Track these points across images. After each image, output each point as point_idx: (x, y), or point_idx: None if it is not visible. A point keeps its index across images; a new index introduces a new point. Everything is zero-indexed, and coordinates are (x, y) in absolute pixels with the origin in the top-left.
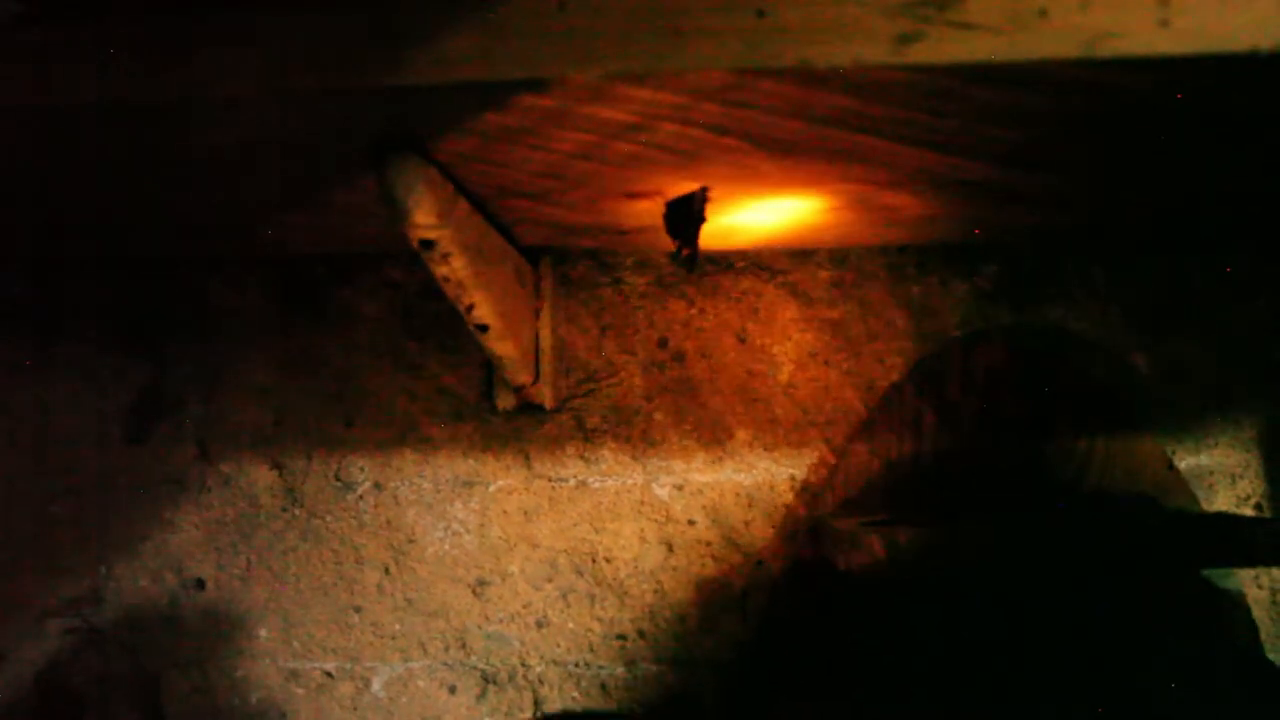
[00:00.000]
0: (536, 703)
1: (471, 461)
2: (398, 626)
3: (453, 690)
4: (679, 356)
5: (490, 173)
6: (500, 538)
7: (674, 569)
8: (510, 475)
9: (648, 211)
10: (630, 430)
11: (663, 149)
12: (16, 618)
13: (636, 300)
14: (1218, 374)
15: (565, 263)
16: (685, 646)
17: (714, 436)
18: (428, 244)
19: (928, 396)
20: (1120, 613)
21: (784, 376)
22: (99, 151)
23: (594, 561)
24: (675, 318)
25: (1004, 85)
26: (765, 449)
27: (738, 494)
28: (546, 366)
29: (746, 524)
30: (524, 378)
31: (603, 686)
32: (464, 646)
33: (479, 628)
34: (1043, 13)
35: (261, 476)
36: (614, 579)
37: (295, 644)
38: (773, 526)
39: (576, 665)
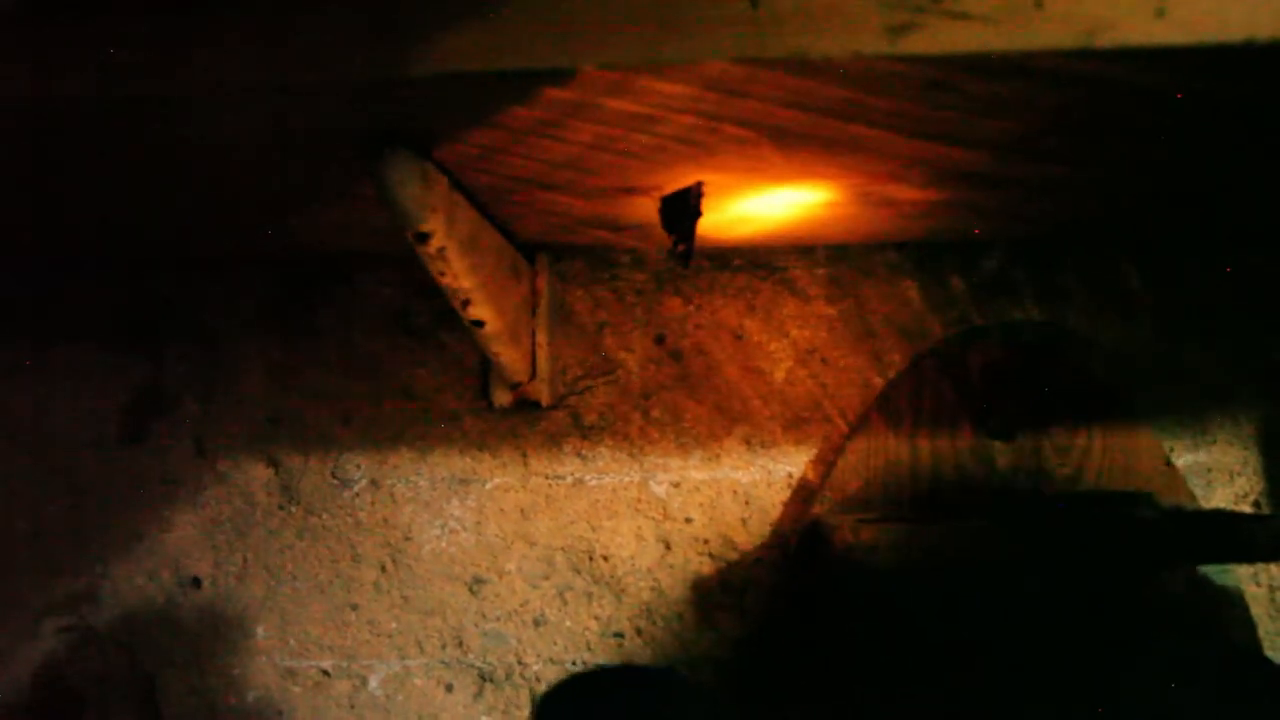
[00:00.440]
0: (533, 701)
1: (468, 459)
2: (394, 625)
3: (450, 688)
4: (676, 354)
5: (489, 167)
6: (497, 535)
7: (671, 567)
8: (507, 473)
9: (645, 207)
10: (627, 428)
11: (675, 140)
12: (14, 617)
13: (633, 297)
14: (1216, 371)
15: (562, 259)
16: (682, 644)
17: (711, 434)
18: (423, 239)
19: (925, 394)
20: (1118, 610)
21: (781, 374)
22: (97, 149)
23: (591, 559)
24: (672, 315)
25: (1001, 76)
26: (762, 446)
27: (735, 492)
28: (543, 364)
29: (744, 522)
30: (521, 375)
31: None
32: (461, 644)
33: (476, 626)
34: (1038, 3)
35: (258, 475)
36: (611, 577)
37: (292, 642)
38: (770, 524)
39: (574, 663)
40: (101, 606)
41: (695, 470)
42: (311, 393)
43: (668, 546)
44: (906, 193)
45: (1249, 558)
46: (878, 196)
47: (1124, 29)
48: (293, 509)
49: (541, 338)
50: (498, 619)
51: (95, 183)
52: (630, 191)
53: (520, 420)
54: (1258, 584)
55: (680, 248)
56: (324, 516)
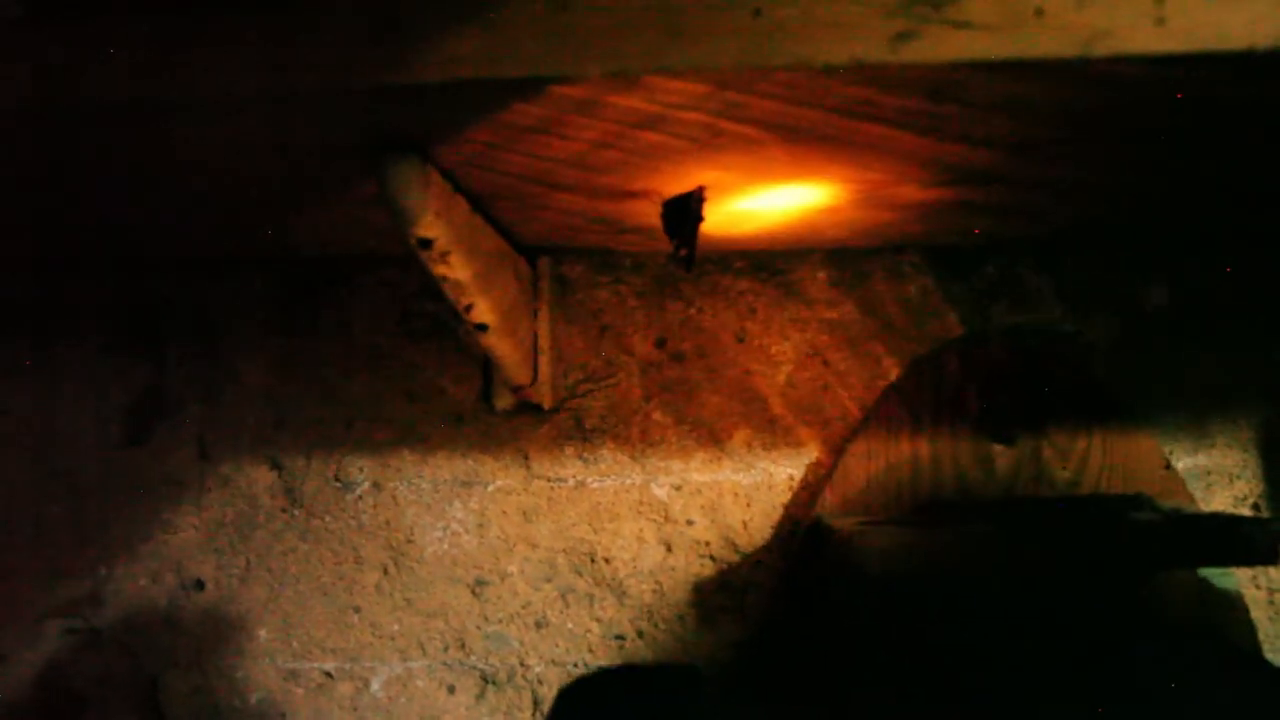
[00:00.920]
0: (535, 703)
1: (470, 462)
2: (397, 627)
3: (452, 690)
4: (677, 356)
5: (491, 164)
6: (499, 538)
7: (672, 569)
8: (509, 475)
9: (646, 211)
10: (629, 430)
11: (682, 138)
12: (17, 619)
13: (634, 300)
14: (1217, 374)
15: (564, 263)
16: (684, 646)
17: (712, 436)
18: (426, 243)
19: (926, 396)
20: (1118, 612)
21: (782, 376)
22: (99, 152)
23: (593, 562)
24: (673, 318)
25: (1006, 80)
26: (764, 449)
27: (736, 494)
28: (545, 367)
29: (745, 524)
30: (522, 378)
31: None
32: (463, 647)
33: (478, 628)
34: (1039, 11)
35: (261, 477)
36: (613, 579)
37: (294, 644)
38: (771, 526)
39: (575, 665)
40: (104, 608)
41: (697, 473)
42: (314, 395)
43: (669, 549)
44: (912, 193)
45: (1249, 560)
46: (882, 197)
47: (1124, 38)
48: (295, 511)
49: (543, 341)
50: (500, 621)
51: (96, 184)
52: (632, 195)
53: (522, 423)
54: (1257, 587)
55: (682, 252)
56: (326, 519)
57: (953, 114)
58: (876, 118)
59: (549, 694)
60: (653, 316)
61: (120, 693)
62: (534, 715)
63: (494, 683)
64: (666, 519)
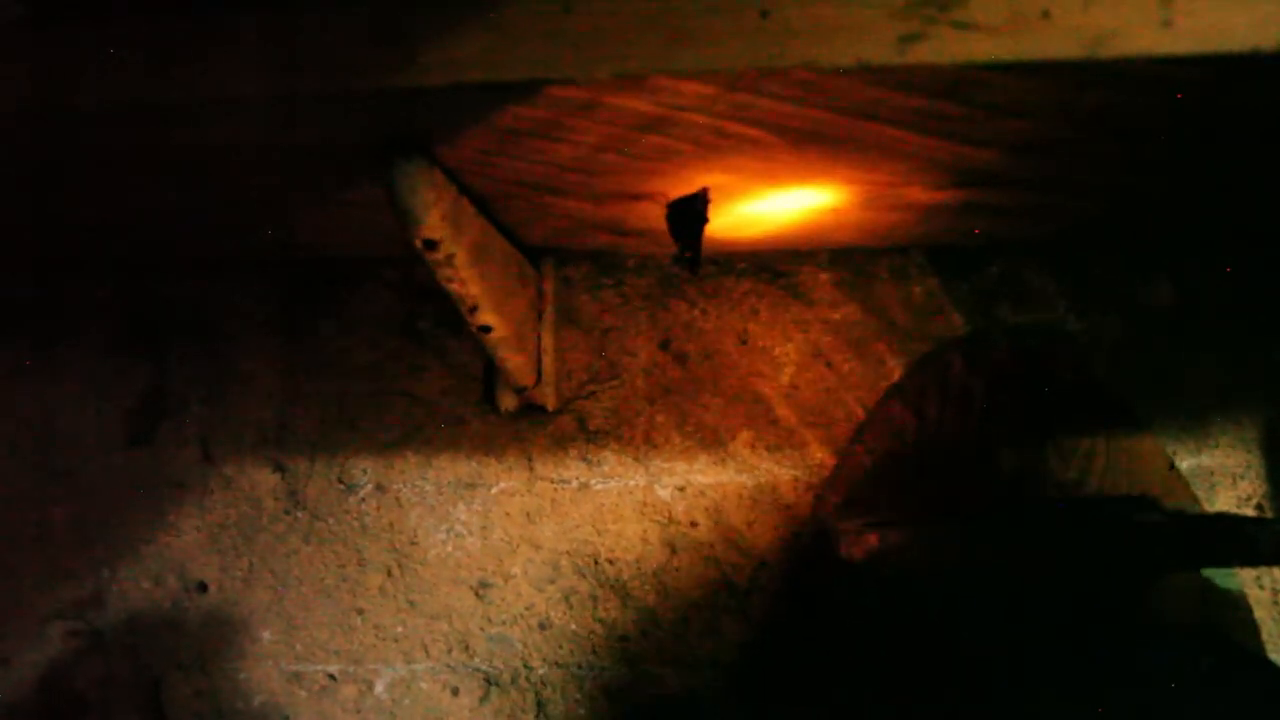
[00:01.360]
0: (539, 705)
1: (474, 463)
2: (400, 629)
3: (455, 692)
4: (681, 358)
5: (498, 165)
6: (503, 539)
7: (676, 570)
8: (513, 477)
9: (651, 212)
10: (632, 432)
11: (687, 141)
12: (18, 621)
13: (638, 302)
14: (1220, 375)
15: (568, 264)
16: (688, 648)
17: (716, 438)
18: (432, 245)
19: (930, 396)
20: (1121, 613)
21: (786, 378)
22: (100, 153)
23: (596, 563)
24: (677, 319)
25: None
26: (768, 450)
27: (740, 495)
28: (549, 368)
29: (749, 525)
30: (526, 379)
31: (606, 688)
32: (467, 648)
33: (482, 630)
34: (1045, 13)
35: (264, 479)
36: (616, 581)
37: (298, 646)
38: (775, 528)
39: (579, 667)
40: (107, 610)
41: (701, 474)
42: (317, 397)
43: (673, 550)
44: (917, 194)
45: (1252, 561)
46: (888, 199)
47: (1130, 39)
48: (298, 513)
49: (547, 342)
50: (503, 623)
51: (98, 185)
52: (637, 197)
53: (526, 424)
54: (1261, 587)
55: (687, 254)
56: (330, 521)
57: (962, 115)
58: (886, 119)
59: (553, 696)
60: (656, 318)
61: (122, 695)
62: (537, 716)
63: (498, 684)
64: (670, 520)
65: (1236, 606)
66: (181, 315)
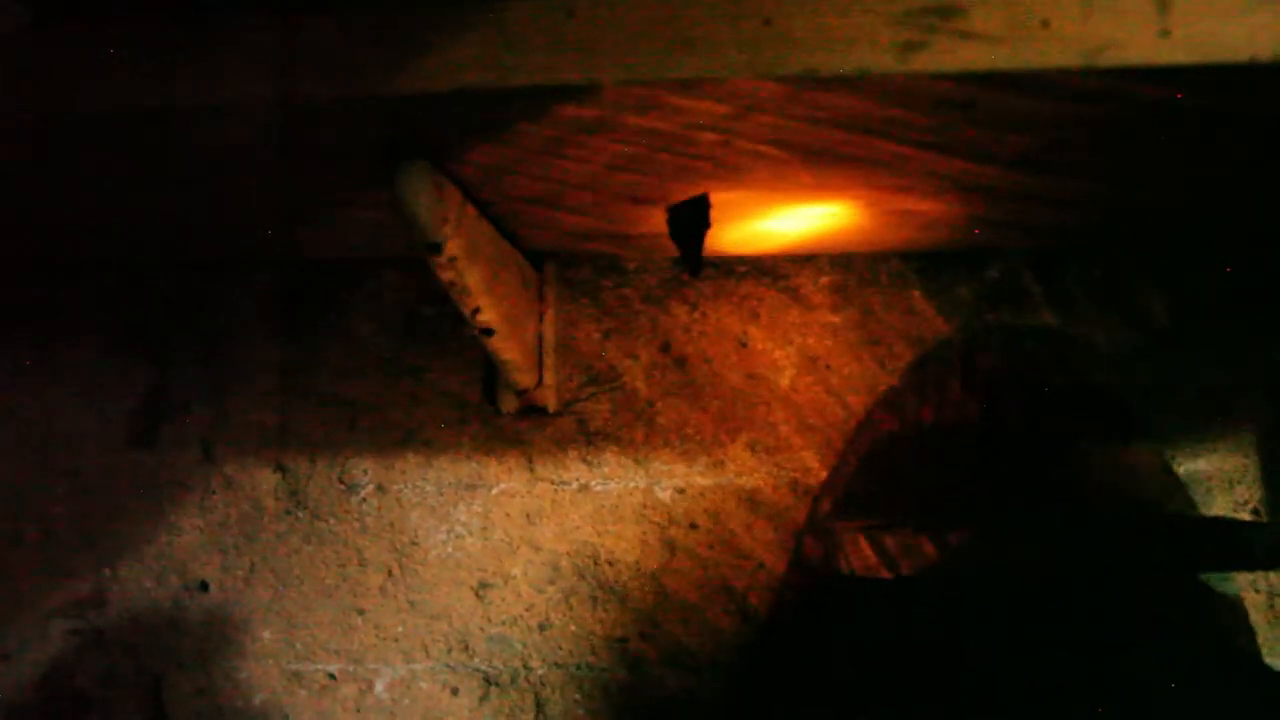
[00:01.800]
0: (538, 705)
1: (474, 464)
2: (400, 628)
3: (455, 692)
4: (681, 360)
5: (510, 190)
6: (503, 540)
7: (676, 572)
8: (513, 478)
9: (653, 217)
10: (632, 433)
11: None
12: (22, 619)
13: (639, 304)
14: (1216, 379)
15: (569, 267)
16: (687, 649)
17: (716, 440)
18: (436, 248)
19: (927, 400)
20: (1118, 616)
21: (785, 380)
22: (104, 156)
23: (596, 564)
24: (677, 322)
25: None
26: (767, 452)
27: (739, 497)
28: (550, 370)
29: (748, 527)
30: (527, 381)
31: (605, 689)
32: (466, 649)
33: (481, 630)
34: (1045, 23)
35: (265, 479)
36: (616, 581)
37: (298, 646)
38: (774, 529)
39: (579, 667)
40: (109, 609)
41: (700, 476)
42: (318, 398)
43: (672, 552)
44: (925, 206)
45: (1249, 565)
46: (897, 212)
47: (1128, 48)
48: (300, 513)
49: (548, 344)
50: (503, 623)
51: (101, 187)
52: (640, 202)
53: (527, 426)
54: (1257, 591)
55: (689, 258)
56: (331, 521)
57: (970, 132)
58: (896, 136)
59: (552, 696)
60: (657, 321)
61: (124, 693)
62: (536, 717)
63: (497, 685)
64: (670, 522)
65: (1233, 609)
66: (182, 317)
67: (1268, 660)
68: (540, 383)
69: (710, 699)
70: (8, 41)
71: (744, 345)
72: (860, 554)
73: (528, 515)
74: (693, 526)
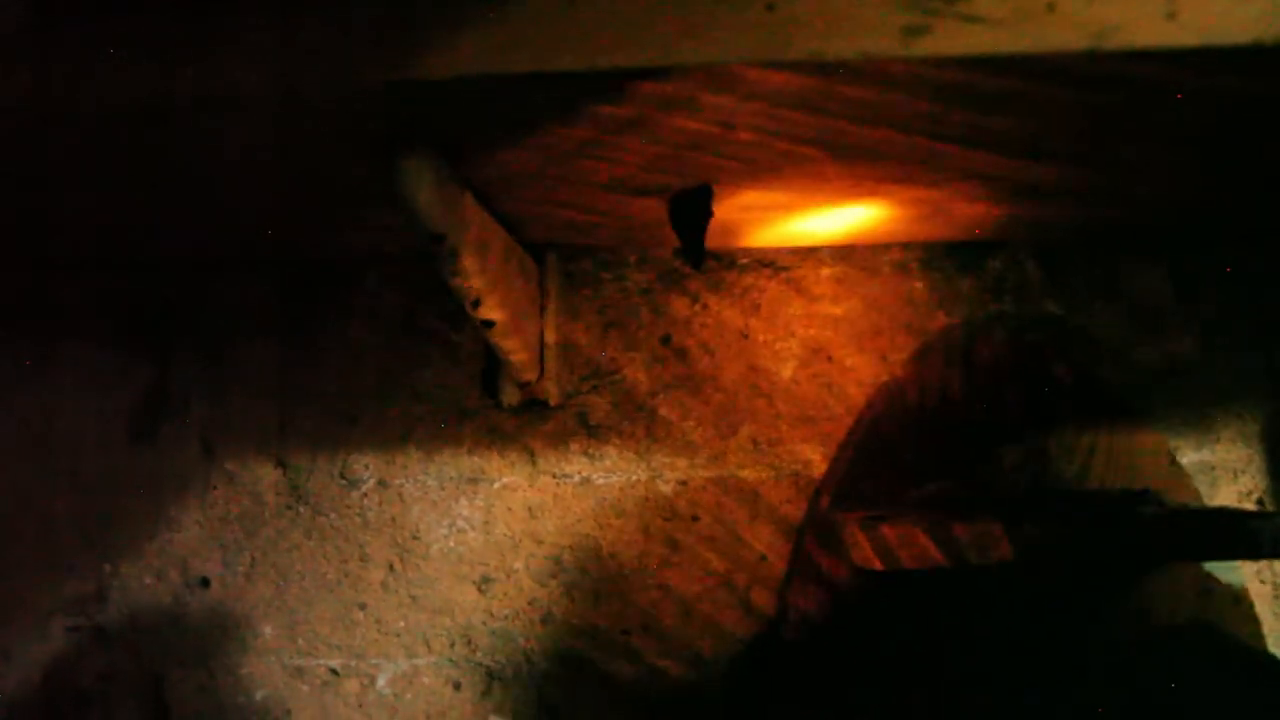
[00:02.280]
0: (541, 699)
1: (476, 458)
2: (402, 623)
3: (458, 686)
4: (682, 353)
5: (500, 170)
6: (505, 534)
7: (678, 565)
8: (515, 472)
9: (654, 208)
10: (634, 426)
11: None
12: (22, 617)
13: (640, 296)
14: (1221, 369)
15: (570, 259)
16: (689, 643)
17: (717, 433)
18: (436, 240)
19: (930, 391)
20: (1124, 607)
21: (787, 372)
22: (104, 152)
23: (598, 558)
24: (678, 314)
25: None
26: (769, 445)
27: (741, 490)
28: (551, 363)
29: (750, 520)
30: (529, 374)
31: (607, 682)
32: (469, 643)
33: (484, 624)
34: (1050, 6)
35: (266, 474)
36: (618, 575)
37: (300, 641)
38: (775, 523)
39: (581, 661)
40: (109, 606)
41: (702, 469)
42: (318, 392)
43: (674, 545)
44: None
45: (1254, 555)
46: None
47: (1134, 31)
48: (300, 509)
49: (550, 337)
50: (505, 618)
51: (101, 184)
52: (641, 193)
53: (528, 419)
54: (1262, 581)
55: (691, 249)
56: (332, 516)
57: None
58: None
59: (554, 690)
60: (658, 313)
61: (125, 690)
62: (539, 711)
63: (500, 679)
64: (672, 515)
65: (1238, 601)
66: (183, 313)
67: (1273, 651)
68: (541, 376)
69: (712, 693)
70: (8, 41)
71: (745, 337)
72: (859, 545)
73: (530, 509)
74: (695, 519)
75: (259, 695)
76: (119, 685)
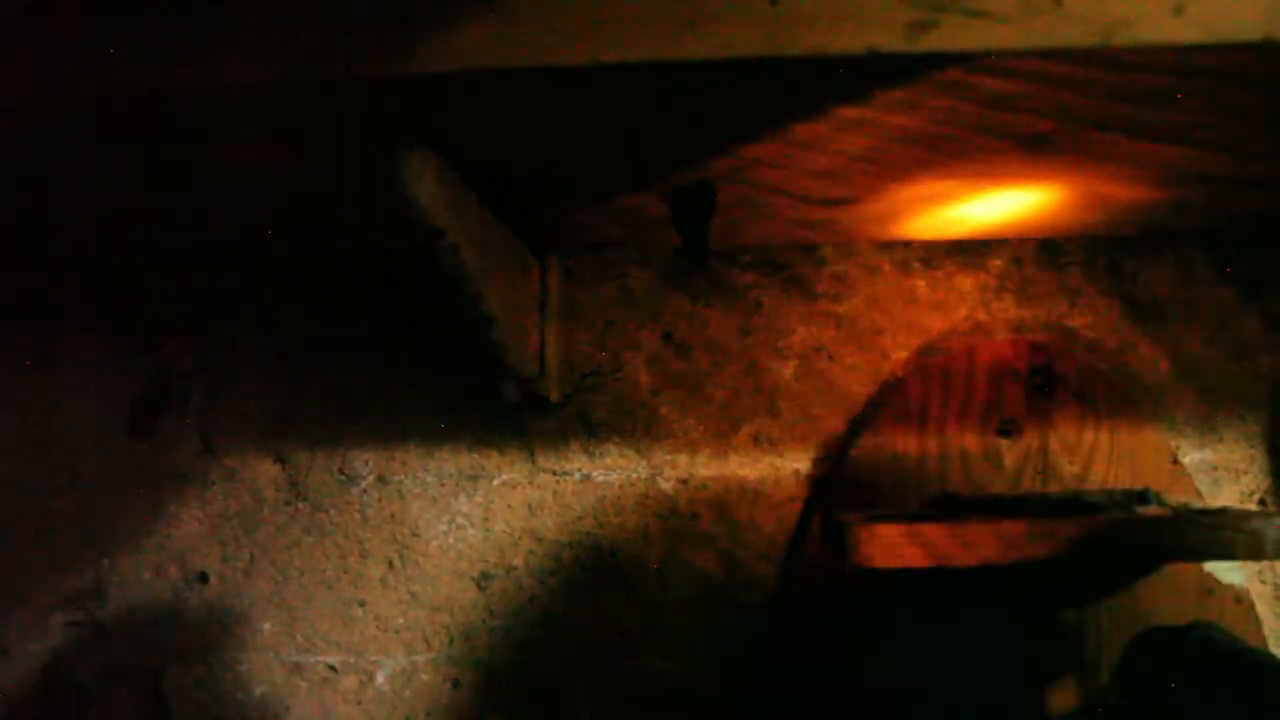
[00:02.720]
0: (540, 696)
1: (475, 455)
2: (401, 620)
3: (456, 684)
4: (683, 350)
5: (502, 164)
6: (505, 531)
7: (678, 563)
8: (514, 469)
9: (656, 206)
10: (634, 424)
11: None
12: (20, 612)
13: (641, 294)
14: (1223, 369)
15: (570, 256)
16: (690, 641)
17: (718, 430)
18: (437, 234)
19: (932, 389)
20: (1124, 606)
21: (788, 371)
22: (104, 146)
23: (598, 555)
24: (680, 312)
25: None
26: (770, 443)
27: (743, 488)
28: (551, 360)
29: (751, 518)
30: (528, 371)
31: (607, 680)
32: (468, 640)
33: (483, 621)
34: (1057, 1)
35: (265, 470)
36: (618, 573)
37: (299, 638)
38: (777, 520)
39: (581, 659)
40: (108, 602)
41: (703, 467)
42: (318, 388)
43: (675, 543)
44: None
45: (1255, 556)
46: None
47: (1142, 27)
48: (300, 505)
49: (550, 334)
50: (505, 615)
51: (101, 179)
52: (643, 190)
53: (528, 417)
54: (1263, 582)
55: (693, 246)
56: (331, 512)
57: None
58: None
59: (554, 688)
60: (659, 310)
61: (123, 686)
62: (539, 708)
63: (499, 677)
64: (673, 513)
65: (1238, 601)
66: (182, 308)
67: (1275, 651)
68: (541, 373)
69: (712, 692)
70: (8, 41)
71: (747, 335)
72: (859, 545)
73: (529, 506)
74: (695, 517)
75: (258, 691)
76: (117, 681)
